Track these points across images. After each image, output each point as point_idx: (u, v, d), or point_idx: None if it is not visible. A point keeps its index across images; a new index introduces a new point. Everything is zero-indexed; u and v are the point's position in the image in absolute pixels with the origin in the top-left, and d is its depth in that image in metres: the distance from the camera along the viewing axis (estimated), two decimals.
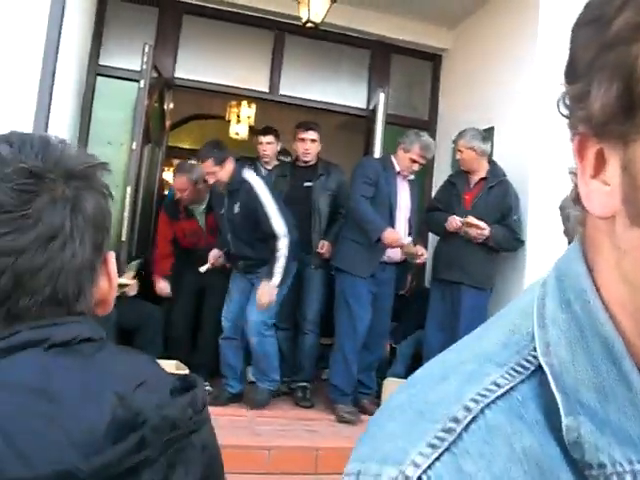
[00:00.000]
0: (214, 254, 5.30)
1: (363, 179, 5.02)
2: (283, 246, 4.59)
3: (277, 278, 4.59)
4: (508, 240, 5.05)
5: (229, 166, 4.90)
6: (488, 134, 5.67)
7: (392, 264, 5.16)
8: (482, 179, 5.16)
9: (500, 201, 5.09)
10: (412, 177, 5.24)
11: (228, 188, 4.95)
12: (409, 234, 5.18)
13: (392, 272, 5.21)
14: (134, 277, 5.06)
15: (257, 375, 5.03)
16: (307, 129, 5.46)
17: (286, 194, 5.39)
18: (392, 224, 4.98)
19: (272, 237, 4.64)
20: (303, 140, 5.43)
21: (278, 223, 4.68)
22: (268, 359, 4.91)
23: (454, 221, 4.96)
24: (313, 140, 5.46)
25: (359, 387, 5.19)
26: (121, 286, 4.84)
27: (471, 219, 4.98)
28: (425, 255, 5.09)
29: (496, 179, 5.15)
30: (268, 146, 6.00)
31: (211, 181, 4.94)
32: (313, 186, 5.48)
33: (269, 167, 6.07)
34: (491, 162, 5.29)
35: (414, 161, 5.06)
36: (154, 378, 0.90)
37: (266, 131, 6.11)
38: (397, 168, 5.14)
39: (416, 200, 5.30)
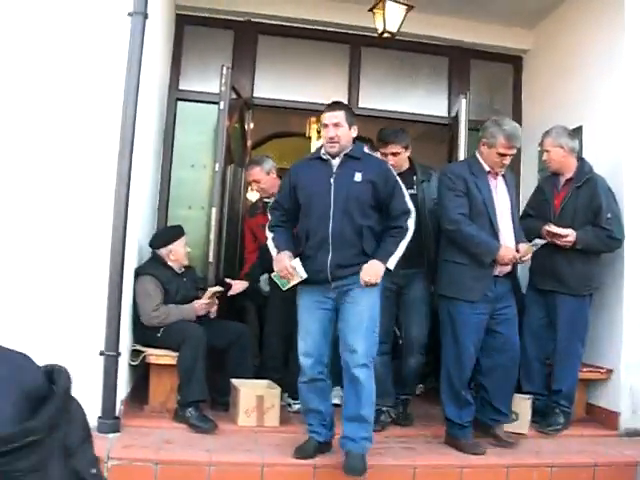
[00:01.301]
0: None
1: (453, 192, 4.45)
2: (412, 224, 4.04)
3: (394, 259, 3.93)
4: (602, 240, 4.81)
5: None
6: (576, 133, 5.47)
7: (505, 276, 4.51)
8: (569, 180, 4.95)
9: (589, 200, 4.88)
10: (503, 171, 4.54)
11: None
12: (516, 238, 4.51)
13: (507, 285, 4.55)
14: (212, 297, 5.05)
15: (351, 431, 3.91)
16: (387, 143, 4.87)
17: None
18: (495, 233, 4.39)
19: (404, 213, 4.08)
20: (385, 155, 4.82)
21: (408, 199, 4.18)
22: (370, 400, 3.92)
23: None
24: (394, 154, 4.85)
25: (491, 413, 4.57)
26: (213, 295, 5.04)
27: (552, 227, 4.79)
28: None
29: (583, 177, 4.93)
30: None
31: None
32: (417, 194, 4.82)
33: None
34: (579, 160, 5.07)
35: (502, 155, 4.40)
36: None
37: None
38: (486, 167, 4.49)
39: (514, 194, 4.63)
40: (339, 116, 4.00)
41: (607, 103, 5.43)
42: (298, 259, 3.93)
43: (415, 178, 4.90)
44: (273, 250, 4.08)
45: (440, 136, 7.07)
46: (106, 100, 4.32)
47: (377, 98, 6.72)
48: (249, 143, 6.80)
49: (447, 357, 4.53)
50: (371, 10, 5.65)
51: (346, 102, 6.56)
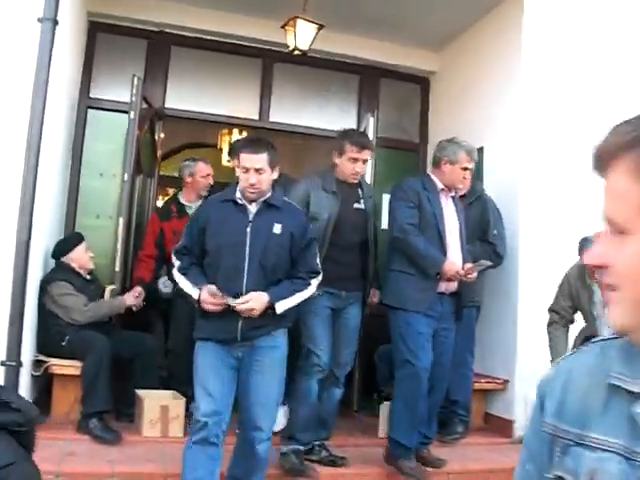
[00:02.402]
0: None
1: (405, 203, 4.43)
2: (315, 285, 3.80)
3: (283, 306, 3.57)
4: (488, 255, 5.00)
5: None
6: (478, 154, 5.70)
7: (451, 295, 4.49)
8: (462, 197, 5.14)
9: (479, 217, 5.15)
10: (453, 193, 4.62)
11: None
12: (463, 259, 4.50)
13: (452, 306, 4.52)
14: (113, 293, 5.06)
15: None
16: (363, 148, 4.50)
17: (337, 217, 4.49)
18: (443, 247, 4.39)
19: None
20: (355, 160, 4.46)
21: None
22: (264, 469, 3.73)
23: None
24: (365, 161, 4.60)
25: (418, 436, 4.46)
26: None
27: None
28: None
29: (474, 195, 5.21)
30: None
31: None
32: (364, 209, 4.62)
33: None
34: (472, 179, 5.25)
35: (466, 169, 4.56)
36: None
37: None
38: (439, 185, 4.53)
39: (463, 219, 4.63)
40: (262, 160, 3.53)
41: (505, 125, 5.71)
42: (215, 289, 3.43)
43: (361, 192, 4.63)
44: (192, 290, 3.51)
45: None
46: (13, 106, 4.26)
47: (288, 113, 6.82)
48: (159, 153, 6.78)
49: (402, 374, 4.36)
50: (283, 27, 5.75)
51: (257, 116, 6.66)
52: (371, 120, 6.25)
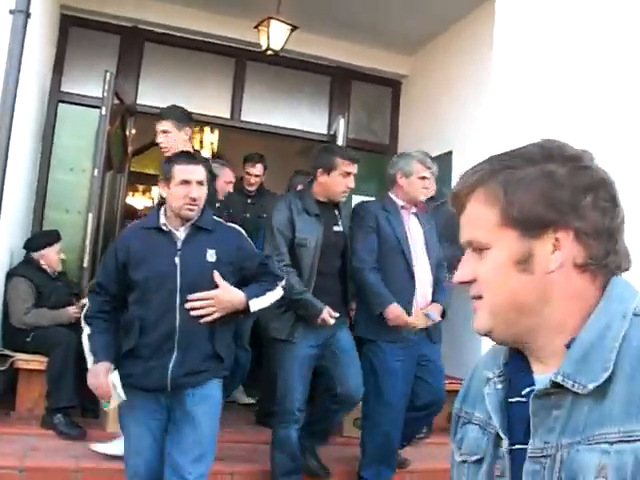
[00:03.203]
0: None
1: (362, 229, 4.24)
2: (281, 290, 3.44)
3: (258, 304, 3.24)
4: (459, 257, 5.02)
5: None
6: (447, 158, 5.79)
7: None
8: (429, 199, 5.17)
9: (450, 220, 5.17)
10: (414, 210, 4.40)
11: None
12: (435, 285, 4.35)
13: (423, 338, 4.33)
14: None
15: None
16: (354, 161, 4.17)
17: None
18: (409, 269, 4.21)
19: None
20: (348, 174, 4.12)
21: None
22: None
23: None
24: (355, 176, 4.24)
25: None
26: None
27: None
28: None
29: (441, 199, 5.18)
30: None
31: None
32: (342, 231, 4.31)
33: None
34: (438, 185, 5.20)
35: (423, 178, 4.30)
36: None
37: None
38: (399, 203, 4.35)
39: (431, 234, 4.45)
40: (202, 172, 3.15)
41: (475, 129, 5.79)
42: (117, 373, 2.95)
43: (338, 212, 4.28)
44: (88, 355, 3.05)
45: None
46: None
47: (260, 112, 6.85)
48: (130, 149, 6.76)
49: (375, 406, 4.20)
50: (256, 27, 5.77)
51: (229, 115, 6.68)
52: (342, 122, 6.31)
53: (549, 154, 1.07)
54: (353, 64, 7.01)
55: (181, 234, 3.10)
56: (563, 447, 0.99)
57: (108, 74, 5.48)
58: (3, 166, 4.17)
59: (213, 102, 6.73)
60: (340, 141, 6.23)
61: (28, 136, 5.20)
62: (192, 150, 4.26)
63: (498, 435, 1.10)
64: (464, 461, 1.18)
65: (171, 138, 4.37)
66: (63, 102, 6.13)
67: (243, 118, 6.79)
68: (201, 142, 10.19)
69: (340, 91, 7.15)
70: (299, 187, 5.44)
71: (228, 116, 6.78)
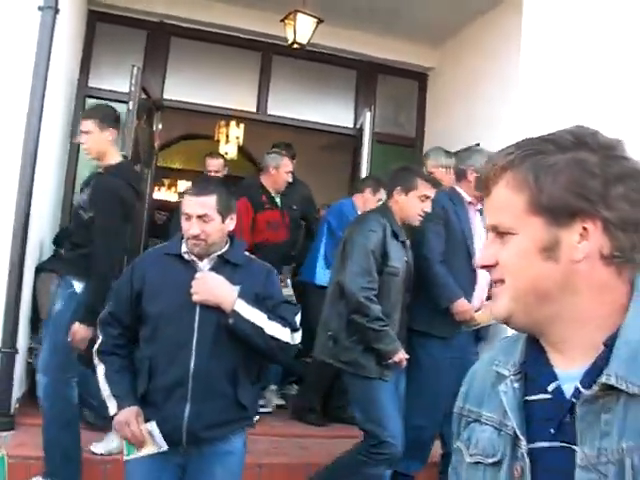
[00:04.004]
0: None
1: (434, 219, 4.11)
2: (293, 340, 2.97)
3: (249, 313, 2.76)
4: None
5: None
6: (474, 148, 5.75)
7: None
8: None
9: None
10: (480, 206, 4.21)
11: None
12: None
13: (471, 336, 4.29)
14: None
15: None
16: (434, 185, 4.09)
17: None
18: (472, 270, 4.06)
19: None
20: (426, 198, 3.97)
21: None
22: None
23: None
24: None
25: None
26: None
27: None
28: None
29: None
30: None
31: None
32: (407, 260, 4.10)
33: None
34: None
35: None
36: None
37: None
38: (467, 198, 4.30)
39: None
40: (207, 204, 2.70)
41: (503, 122, 5.73)
42: (154, 423, 2.58)
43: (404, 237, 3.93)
44: (109, 399, 2.67)
45: (345, 147, 7.25)
46: (12, 94, 4.28)
47: (286, 106, 6.84)
48: (157, 144, 6.79)
49: (419, 401, 4.08)
50: (282, 21, 5.77)
51: (255, 109, 6.68)
52: (368, 115, 6.29)
53: (581, 141, 1.06)
54: (379, 57, 6.97)
55: (205, 265, 2.74)
56: (627, 451, 0.95)
57: (135, 69, 5.51)
58: (33, 161, 4.22)
59: (239, 96, 6.74)
60: (367, 135, 6.21)
61: (56, 132, 5.24)
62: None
63: (516, 435, 1.08)
64: (477, 462, 1.16)
65: (92, 139, 4.05)
66: (91, 97, 6.17)
67: (269, 112, 6.80)
68: (227, 136, 10.24)
69: (366, 84, 7.12)
70: (272, 170, 5.45)
71: (254, 110, 6.79)
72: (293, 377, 6.17)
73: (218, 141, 10.30)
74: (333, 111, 7.00)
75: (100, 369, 2.72)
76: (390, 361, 3.65)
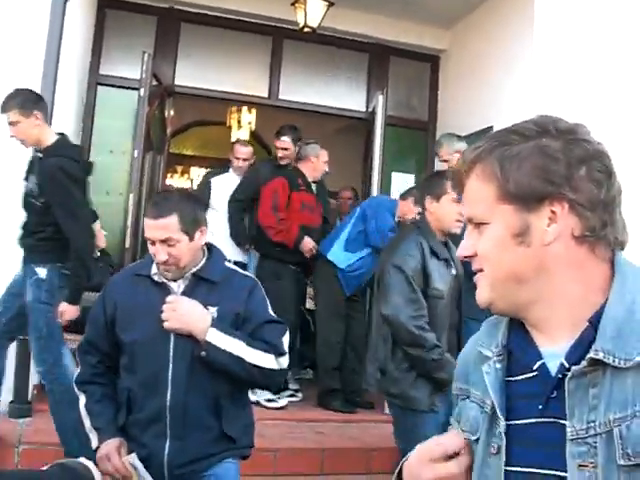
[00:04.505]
0: None
1: None
2: (278, 365, 2.64)
3: (225, 342, 2.44)
4: None
5: None
6: (487, 133, 5.70)
7: None
8: None
9: None
10: None
11: None
12: None
13: None
14: None
15: None
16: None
17: None
18: None
19: None
20: (458, 202, 3.38)
21: None
22: None
23: None
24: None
25: None
26: None
27: None
28: None
29: None
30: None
31: None
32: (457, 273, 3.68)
33: None
34: None
35: None
36: None
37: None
38: None
39: None
40: (169, 227, 2.38)
41: (516, 104, 5.68)
42: (135, 455, 2.35)
43: (449, 251, 3.49)
44: (91, 431, 2.48)
45: (358, 130, 7.22)
46: (24, 81, 4.27)
47: (298, 91, 6.82)
48: (169, 130, 6.79)
49: None
50: (293, 4, 5.74)
51: (266, 94, 6.66)
52: (380, 98, 6.25)
53: (543, 129, 1.10)
54: (391, 40, 6.91)
55: (178, 286, 2.47)
56: (615, 422, 0.99)
57: (146, 55, 5.50)
58: None
59: (250, 81, 6.72)
60: (379, 118, 6.17)
61: (69, 119, 5.24)
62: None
63: (494, 414, 1.13)
64: (465, 439, 1.19)
65: (21, 129, 3.82)
66: (102, 85, 6.17)
67: (281, 97, 6.77)
68: (239, 122, 10.21)
69: (378, 67, 7.07)
70: (312, 158, 5.50)
71: (266, 95, 6.76)
72: (307, 362, 6.18)
73: (230, 127, 10.28)
74: (345, 95, 6.97)
75: (81, 400, 2.53)
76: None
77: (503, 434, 1.10)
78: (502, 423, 1.10)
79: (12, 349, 4.19)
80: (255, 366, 2.37)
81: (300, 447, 4.41)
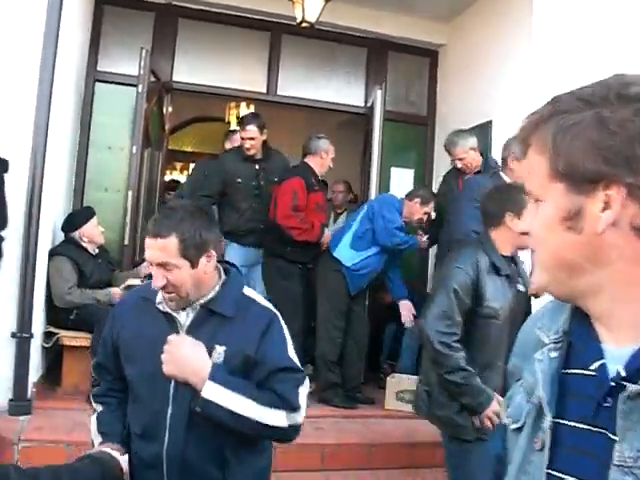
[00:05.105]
0: None
1: (473, 203, 3.89)
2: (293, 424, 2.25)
3: (224, 397, 2.09)
4: None
5: None
6: (486, 127, 5.70)
7: None
8: (476, 173, 5.11)
9: None
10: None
11: None
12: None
13: None
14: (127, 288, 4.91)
15: None
16: None
17: None
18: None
19: None
20: None
21: None
22: None
23: None
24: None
25: None
26: (128, 287, 4.83)
27: None
28: None
29: (490, 171, 5.04)
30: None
31: None
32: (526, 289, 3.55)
33: None
34: (484, 156, 5.23)
35: None
36: None
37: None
38: None
39: None
40: (166, 249, 2.08)
41: (515, 98, 5.67)
42: (127, 457, 2.15)
43: (515, 265, 3.32)
44: (96, 437, 2.26)
45: (357, 125, 7.20)
46: (21, 78, 4.27)
47: (296, 86, 6.80)
48: (167, 127, 6.78)
49: None
50: None
51: (265, 90, 6.65)
52: (379, 93, 6.23)
53: (611, 94, 0.93)
54: (389, 34, 6.89)
55: (185, 318, 2.18)
56: None
57: (144, 51, 5.48)
58: (43, 146, 4.21)
59: (249, 77, 6.70)
60: (377, 113, 6.16)
61: (67, 116, 5.24)
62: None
63: (541, 406, 1.00)
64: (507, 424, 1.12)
65: None
66: (100, 81, 6.15)
67: (279, 92, 6.75)
68: (238, 117, 10.20)
69: (377, 62, 7.06)
70: (323, 154, 5.46)
71: (264, 90, 6.74)
72: (307, 357, 6.17)
73: (229, 123, 10.26)
74: (344, 90, 6.95)
75: (97, 410, 2.35)
76: (481, 418, 3.06)
77: (549, 430, 0.98)
78: (548, 419, 0.98)
79: (11, 347, 4.19)
80: (261, 424, 2.05)
81: (300, 443, 4.37)
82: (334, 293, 5.28)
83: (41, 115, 4.21)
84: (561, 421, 0.98)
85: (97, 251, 5.11)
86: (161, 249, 2.08)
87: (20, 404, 4.22)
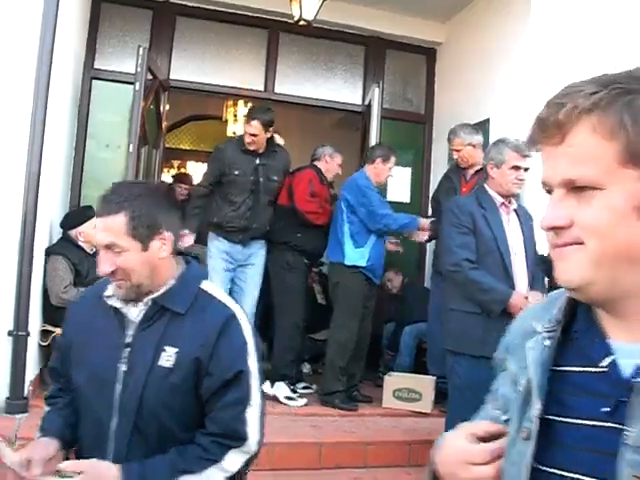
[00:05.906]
0: None
1: (457, 230, 3.82)
2: (238, 463, 2.01)
3: None
4: None
5: None
6: (484, 125, 5.69)
7: None
8: (478, 171, 5.11)
9: None
10: (515, 205, 3.96)
11: None
12: (530, 282, 3.87)
13: None
14: None
15: None
16: None
17: None
18: (507, 275, 3.78)
19: None
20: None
21: None
22: None
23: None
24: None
25: None
26: None
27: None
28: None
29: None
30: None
31: None
32: None
33: None
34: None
35: (517, 167, 3.81)
36: None
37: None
38: (498, 200, 3.90)
39: (529, 232, 3.94)
40: (113, 228, 1.83)
41: (512, 97, 5.67)
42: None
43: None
44: (36, 434, 1.99)
45: (355, 124, 7.20)
46: (18, 75, 4.25)
47: (294, 84, 6.79)
48: (164, 125, 6.76)
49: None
50: None
51: (262, 88, 6.64)
52: (376, 91, 6.23)
53: None
54: (387, 32, 6.89)
55: (135, 314, 1.91)
56: None
57: (141, 49, 5.46)
58: (40, 143, 4.20)
59: (246, 75, 6.69)
60: (375, 111, 6.15)
61: (64, 114, 5.22)
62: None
63: (529, 394, 0.98)
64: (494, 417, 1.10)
65: None
66: (97, 79, 6.14)
67: (277, 90, 6.74)
68: (235, 116, 10.19)
69: (374, 60, 7.05)
70: (327, 158, 5.63)
71: (262, 89, 6.73)
72: (305, 355, 6.17)
73: (226, 121, 10.25)
74: (341, 88, 6.95)
75: (45, 410, 2.12)
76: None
77: (536, 420, 0.96)
78: (537, 406, 0.96)
79: (7, 345, 4.18)
80: None
81: (297, 441, 4.39)
82: (350, 302, 5.18)
83: (38, 113, 4.19)
84: (557, 418, 0.96)
85: (94, 250, 5.09)
86: (108, 228, 1.83)
87: (16, 402, 4.21)
